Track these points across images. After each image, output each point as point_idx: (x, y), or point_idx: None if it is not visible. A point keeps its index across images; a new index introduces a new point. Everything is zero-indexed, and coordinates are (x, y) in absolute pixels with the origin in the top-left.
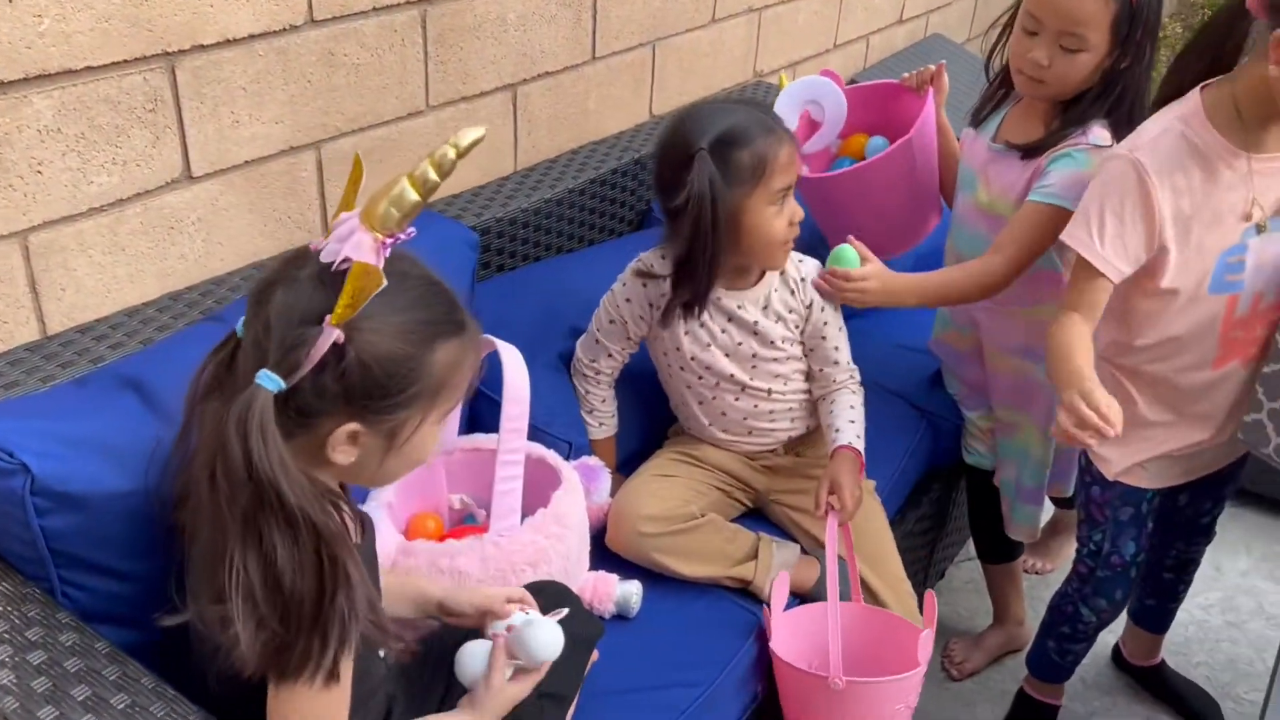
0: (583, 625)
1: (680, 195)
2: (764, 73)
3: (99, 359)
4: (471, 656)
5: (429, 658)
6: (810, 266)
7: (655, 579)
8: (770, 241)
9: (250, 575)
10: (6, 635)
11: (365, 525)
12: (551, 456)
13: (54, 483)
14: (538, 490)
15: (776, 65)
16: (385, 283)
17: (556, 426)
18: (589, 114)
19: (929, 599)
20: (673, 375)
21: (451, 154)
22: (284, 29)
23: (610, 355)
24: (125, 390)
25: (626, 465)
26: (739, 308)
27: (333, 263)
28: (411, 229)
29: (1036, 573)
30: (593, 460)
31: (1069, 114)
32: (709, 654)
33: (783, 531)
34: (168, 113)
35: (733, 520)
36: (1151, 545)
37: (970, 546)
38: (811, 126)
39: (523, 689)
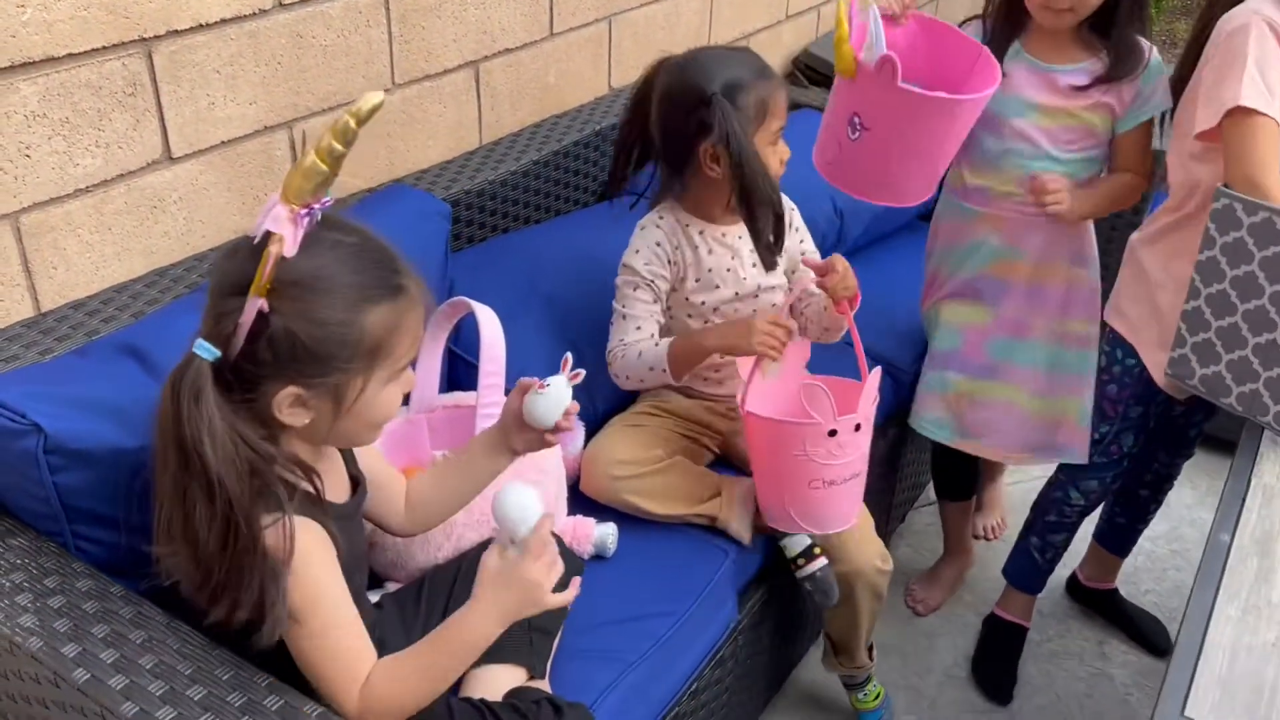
0: (565, 563)
1: (710, 137)
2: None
3: (94, 332)
4: (516, 496)
5: (421, 595)
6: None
7: (629, 521)
8: (770, 173)
9: (174, 530)
10: (26, 584)
11: (358, 485)
12: None
13: (66, 440)
14: None
15: (731, 36)
16: (292, 250)
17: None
18: (549, 89)
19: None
20: (677, 331)
21: (352, 123)
22: (253, 13)
23: (639, 328)
24: (125, 357)
25: (598, 426)
26: (740, 238)
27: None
28: (328, 198)
29: (987, 538)
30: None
31: (1110, 32)
32: (683, 585)
33: (744, 475)
34: (146, 96)
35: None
36: (1134, 460)
37: (930, 492)
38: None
39: (545, 573)
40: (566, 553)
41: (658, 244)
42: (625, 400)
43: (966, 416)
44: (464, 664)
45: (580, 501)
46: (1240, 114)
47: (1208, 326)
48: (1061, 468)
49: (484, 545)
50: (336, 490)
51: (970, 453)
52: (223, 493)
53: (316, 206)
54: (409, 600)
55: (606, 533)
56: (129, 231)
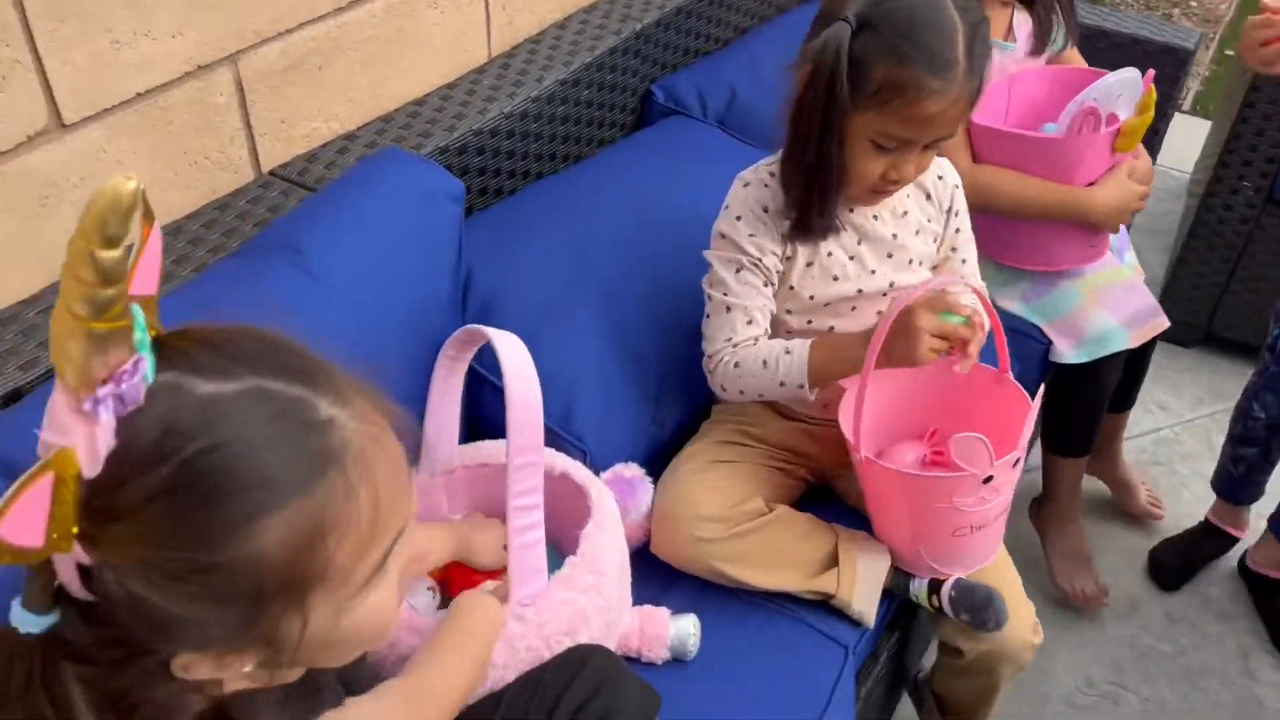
0: (635, 702)
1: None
2: None
3: None
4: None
5: None
6: (946, 163)
7: (708, 598)
8: (855, 177)
9: None
10: None
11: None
12: (576, 471)
13: None
14: (561, 515)
15: None
16: (91, 468)
17: (577, 423)
18: None
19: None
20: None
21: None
22: None
23: (751, 321)
24: None
25: (664, 448)
26: (874, 219)
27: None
28: (138, 362)
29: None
30: (629, 470)
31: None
32: (793, 698)
33: (852, 511)
34: (15, 41)
35: (795, 503)
36: None
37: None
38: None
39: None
40: (635, 687)
41: (765, 209)
42: (697, 413)
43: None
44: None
45: (647, 563)
46: None
47: None
48: (1250, 380)
49: (527, 689)
50: None
51: (1146, 339)
52: None
53: (123, 380)
54: None
55: (686, 630)
56: (10, 237)
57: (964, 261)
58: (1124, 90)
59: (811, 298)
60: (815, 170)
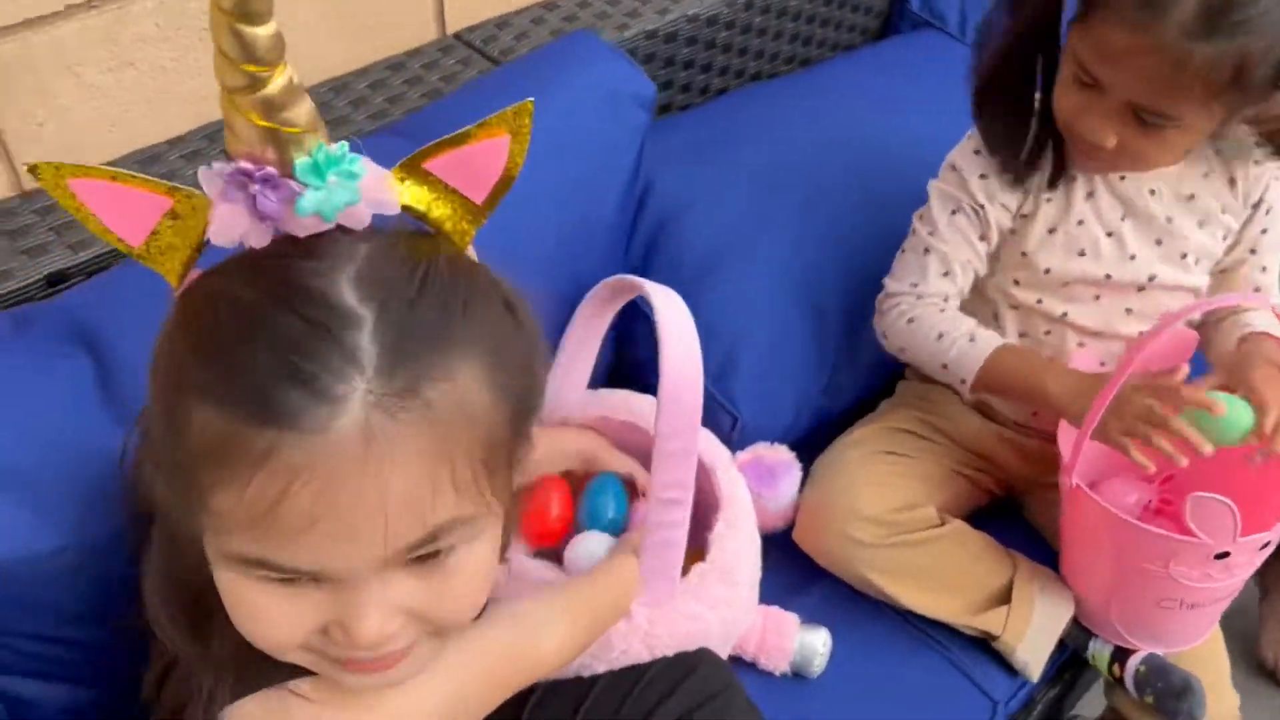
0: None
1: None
2: None
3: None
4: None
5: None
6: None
7: (849, 614)
8: (1060, 117)
9: None
10: None
11: None
12: (711, 454)
13: None
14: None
15: None
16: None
17: (734, 382)
18: None
19: None
20: (987, 299)
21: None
22: None
23: (948, 273)
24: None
25: (831, 425)
26: (1151, 193)
27: None
28: (274, 179)
29: None
30: (773, 454)
31: None
32: None
33: (1038, 539)
34: None
35: (972, 516)
36: None
37: None
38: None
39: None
40: (745, 712)
41: (982, 175)
42: (878, 389)
43: None
44: None
45: (782, 549)
46: None
47: None
48: None
49: (624, 684)
50: None
51: None
52: None
53: (267, 184)
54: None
55: (814, 645)
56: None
57: (1263, 270)
58: None
59: (1048, 271)
60: (1017, 78)
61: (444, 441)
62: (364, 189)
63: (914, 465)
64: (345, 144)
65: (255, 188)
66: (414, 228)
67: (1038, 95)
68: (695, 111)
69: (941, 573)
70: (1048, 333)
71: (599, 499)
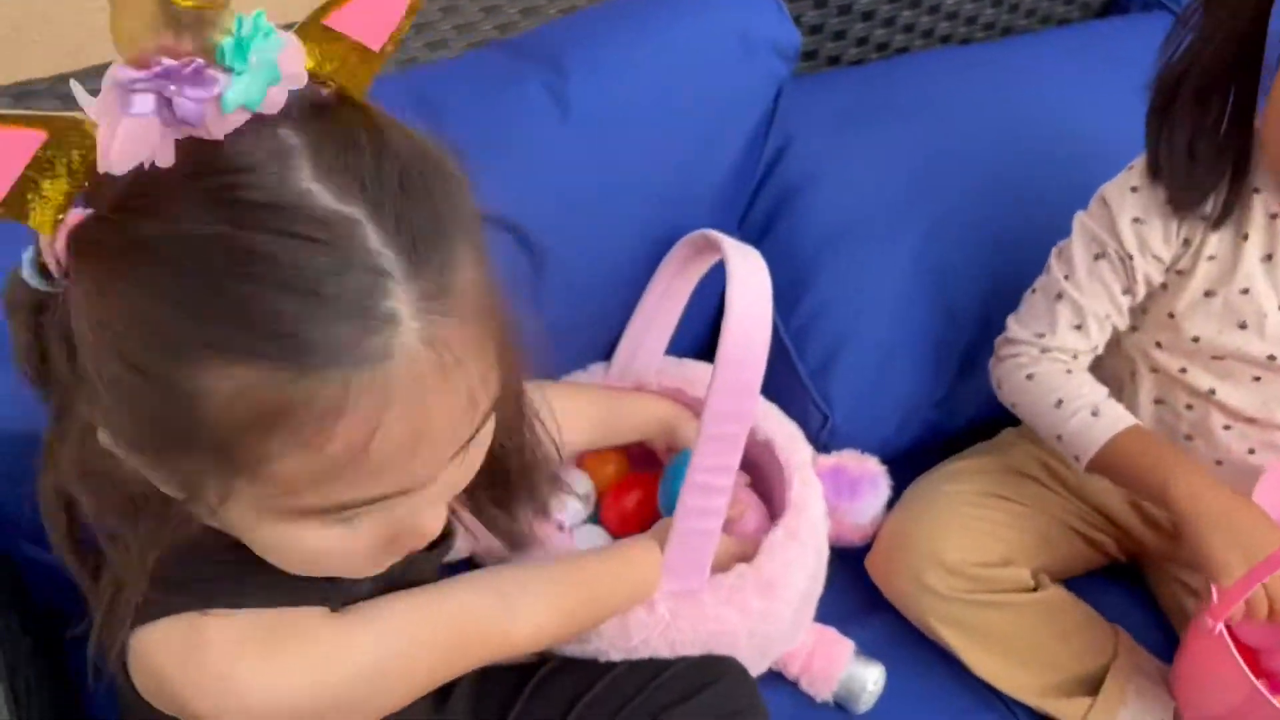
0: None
1: None
2: None
3: None
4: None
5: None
6: None
7: (911, 655)
8: (1267, 135)
9: None
10: None
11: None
12: (786, 442)
13: None
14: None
15: None
16: (115, 163)
17: (834, 379)
18: None
19: None
20: (1125, 356)
21: None
22: None
23: (1080, 326)
24: None
25: (941, 445)
26: None
27: None
28: (199, 70)
29: None
30: (860, 465)
31: None
32: None
33: (1155, 610)
34: None
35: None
36: None
37: None
38: None
39: None
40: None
41: (1136, 219)
42: (998, 408)
43: None
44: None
45: (852, 566)
46: None
47: None
48: None
49: (637, 680)
50: None
51: None
52: None
53: (180, 81)
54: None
55: (865, 679)
56: None
57: None
58: None
59: (1196, 340)
60: (1210, 88)
61: (482, 325)
62: (281, 63)
63: (1021, 517)
64: (260, 11)
65: (172, 88)
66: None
67: (1228, 110)
68: (849, 70)
69: (1020, 643)
70: (1189, 407)
71: (678, 482)
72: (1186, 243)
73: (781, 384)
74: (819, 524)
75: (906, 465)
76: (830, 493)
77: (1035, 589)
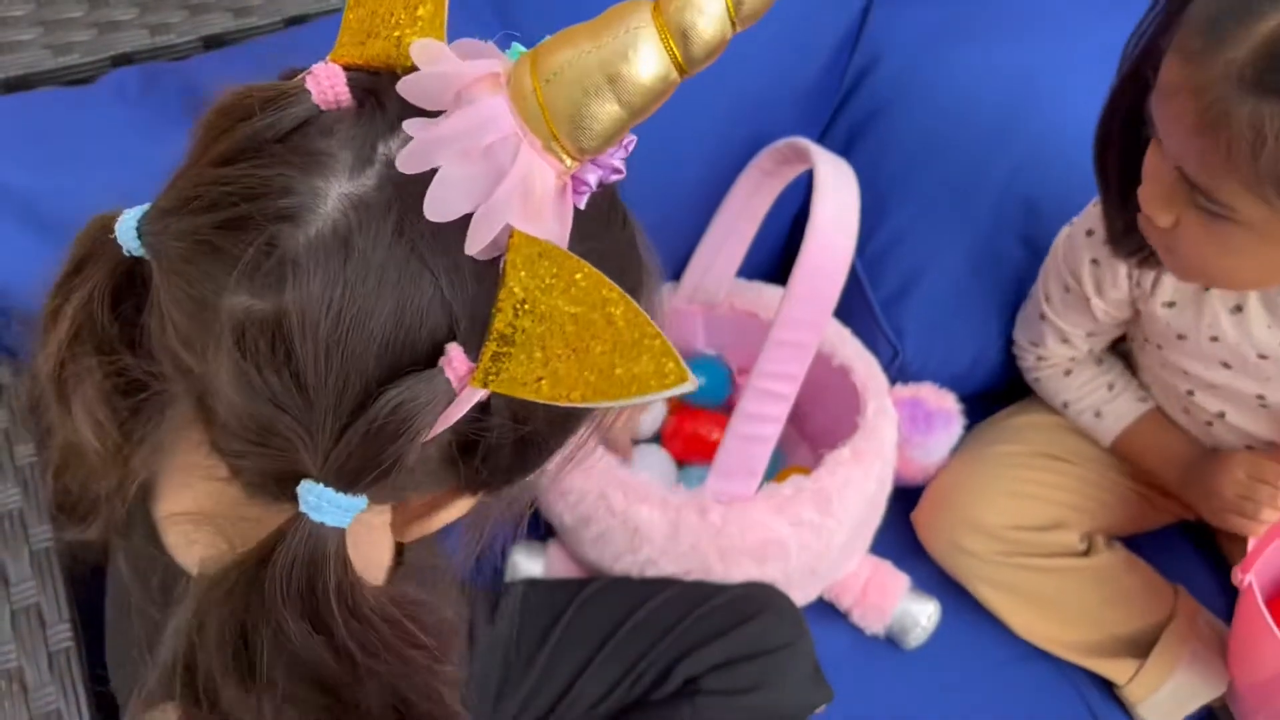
0: (797, 688)
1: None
2: None
3: None
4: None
5: (564, 615)
6: None
7: (967, 599)
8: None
9: None
10: None
11: None
12: (862, 369)
13: None
14: (817, 415)
15: None
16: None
17: (905, 313)
18: None
19: None
20: (1147, 366)
21: None
22: None
23: (1066, 341)
24: None
25: (1007, 389)
26: (1269, 328)
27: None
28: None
29: None
30: (937, 399)
31: None
32: None
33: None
34: None
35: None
36: None
37: None
38: None
39: None
40: (808, 677)
41: (1093, 260)
42: None
43: None
44: None
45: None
46: None
47: None
48: None
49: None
50: None
51: None
52: None
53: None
54: (552, 600)
55: (918, 614)
56: None
57: None
58: None
59: (1187, 374)
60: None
61: None
62: None
63: (1075, 478)
64: None
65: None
66: None
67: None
68: None
69: (1065, 606)
70: (1209, 424)
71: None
72: (1139, 285)
73: (852, 313)
74: (887, 452)
75: (979, 408)
76: (905, 423)
77: (1087, 552)
